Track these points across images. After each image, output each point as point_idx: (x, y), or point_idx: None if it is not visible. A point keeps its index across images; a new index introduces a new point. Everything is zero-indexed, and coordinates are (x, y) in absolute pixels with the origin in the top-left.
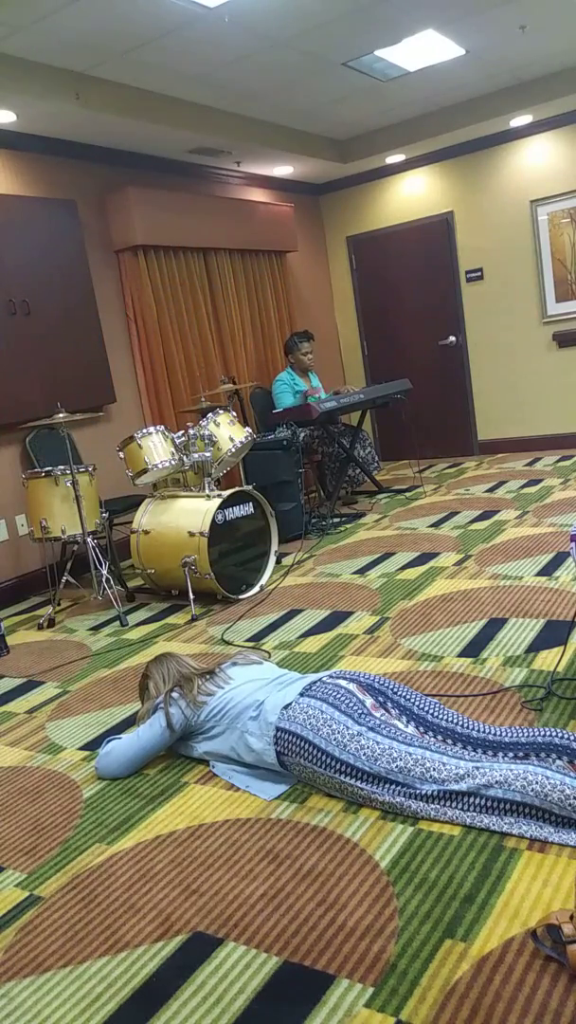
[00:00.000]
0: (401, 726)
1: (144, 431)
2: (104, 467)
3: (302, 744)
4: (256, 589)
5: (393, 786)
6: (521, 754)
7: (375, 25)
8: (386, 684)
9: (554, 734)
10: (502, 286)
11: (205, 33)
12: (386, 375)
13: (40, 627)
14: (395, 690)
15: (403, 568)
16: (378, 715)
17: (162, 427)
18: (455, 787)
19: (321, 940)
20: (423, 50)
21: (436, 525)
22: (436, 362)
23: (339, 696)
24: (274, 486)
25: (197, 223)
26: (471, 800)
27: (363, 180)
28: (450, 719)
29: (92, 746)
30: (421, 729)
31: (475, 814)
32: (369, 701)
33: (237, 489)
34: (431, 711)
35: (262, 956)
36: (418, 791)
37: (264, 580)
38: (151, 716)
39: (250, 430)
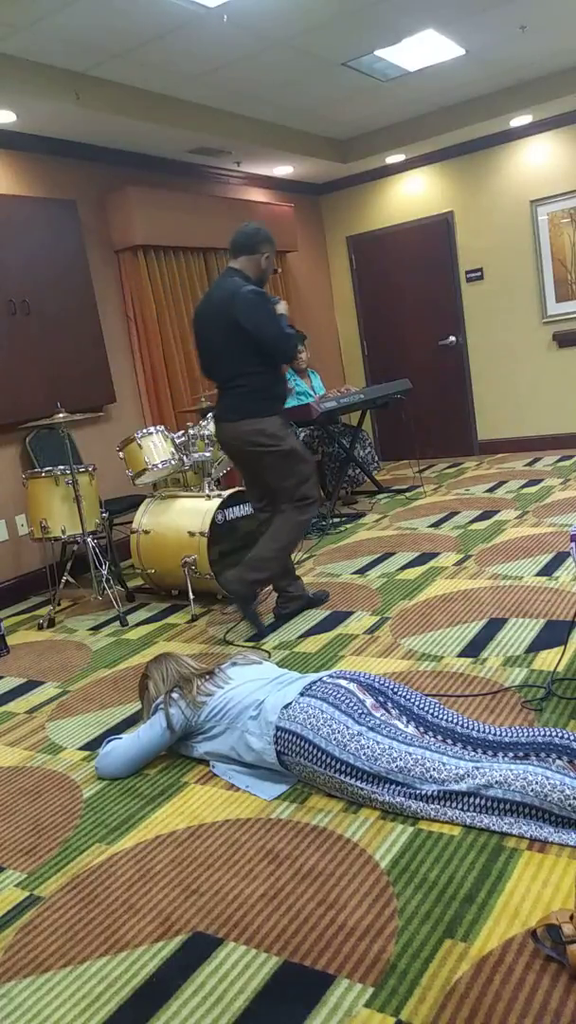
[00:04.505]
0: (401, 726)
1: (144, 431)
2: (104, 467)
3: (302, 744)
4: None
5: (393, 786)
6: (521, 754)
7: (375, 25)
8: (386, 684)
9: (554, 734)
10: (502, 286)
11: (205, 33)
12: (386, 375)
13: (40, 627)
14: (395, 690)
15: (403, 568)
16: (378, 715)
17: (162, 427)
18: (455, 787)
19: (321, 940)
20: (423, 50)
21: (436, 525)
22: (436, 362)
23: (339, 696)
24: None
25: (197, 223)
26: (471, 800)
27: (363, 180)
28: (450, 719)
29: (92, 746)
30: (421, 729)
31: (475, 814)
32: (369, 701)
33: (237, 489)
34: (431, 711)
35: (262, 956)
36: (418, 791)
37: None
38: (151, 716)
39: None
